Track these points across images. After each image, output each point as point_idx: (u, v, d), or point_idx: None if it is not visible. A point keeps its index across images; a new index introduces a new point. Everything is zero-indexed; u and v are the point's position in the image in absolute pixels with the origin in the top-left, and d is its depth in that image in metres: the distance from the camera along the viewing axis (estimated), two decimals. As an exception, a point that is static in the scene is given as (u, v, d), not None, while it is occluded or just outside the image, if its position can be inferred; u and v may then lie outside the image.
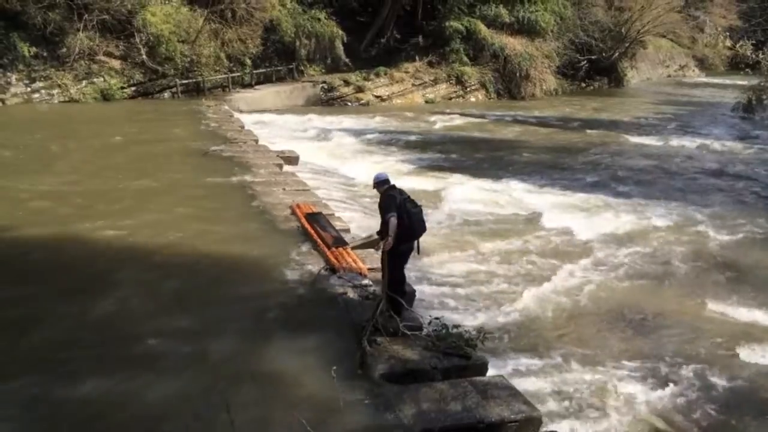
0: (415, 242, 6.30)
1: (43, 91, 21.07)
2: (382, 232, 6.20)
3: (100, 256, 7.96)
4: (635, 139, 22.44)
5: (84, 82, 21.82)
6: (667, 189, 15.43)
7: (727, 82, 46.58)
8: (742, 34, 58.43)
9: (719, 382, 6.91)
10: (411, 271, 8.83)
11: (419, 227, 6.19)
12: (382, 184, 6.30)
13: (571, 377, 6.82)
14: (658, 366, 7.17)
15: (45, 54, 21.20)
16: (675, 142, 22.13)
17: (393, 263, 6.22)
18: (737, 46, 54.65)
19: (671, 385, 6.75)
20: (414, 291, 7.39)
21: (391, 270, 6.23)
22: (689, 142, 22.04)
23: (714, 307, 8.84)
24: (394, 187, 6.29)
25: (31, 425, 4.79)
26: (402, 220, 6.00)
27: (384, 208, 6.11)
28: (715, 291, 9.41)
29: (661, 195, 14.68)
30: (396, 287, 6.28)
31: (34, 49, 20.84)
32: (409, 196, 6.26)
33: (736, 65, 57.85)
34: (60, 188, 11.00)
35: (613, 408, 6.28)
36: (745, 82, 31.76)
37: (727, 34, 55.80)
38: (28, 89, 20.83)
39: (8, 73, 20.46)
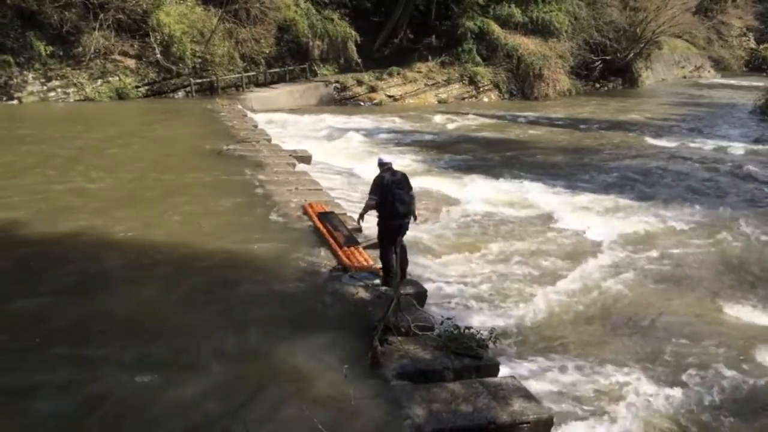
0: (405, 220, 6.90)
1: (59, 90, 21.25)
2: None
3: (109, 254, 7.99)
4: (651, 141, 22.24)
5: (99, 81, 21.98)
6: (683, 191, 15.27)
7: (744, 83, 46.17)
8: (760, 34, 57.90)
9: (733, 385, 6.80)
10: (423, 270, 8.87)
11: (402, 207, 6.80)
12: (380, 166, 7.07)
13: (583, 379, 6.76)
14: (671, 369, 7.09)
15: (61, 53, 21.35)
16: (692, 144, 21.91)
17: (381, 239, 7.01)
18: (761, 47, 54.22)
19: (684, 388, 6.67)
20: (425, 290, 7.38)
21: (380, 246, 7.05)
22: (706, 145, 21.81)
23: (730, 310, 8.74)
24: (388, 169, 6.96)
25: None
26: (386, 200, 6.76)
27: (370, 189, 6.96)
28: (731, 294, 9.29)
29: (677, 197, 14.53)
30: (387, 266, 6.95)
31: (50, 48, 20.99)
32: (400, 180, 6.86)
33: (754, 66, 57.42)
34: (69, 187, 11.04)
35: (625, 410, 6.21)
36: (761, 84, 31.41)
37: (751, 34, 55.35)
38: (44, 88, 21.00)
39: (25, 72, 20.62)
